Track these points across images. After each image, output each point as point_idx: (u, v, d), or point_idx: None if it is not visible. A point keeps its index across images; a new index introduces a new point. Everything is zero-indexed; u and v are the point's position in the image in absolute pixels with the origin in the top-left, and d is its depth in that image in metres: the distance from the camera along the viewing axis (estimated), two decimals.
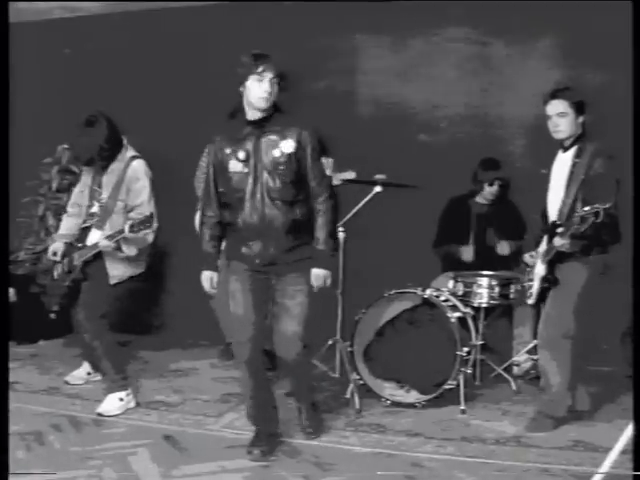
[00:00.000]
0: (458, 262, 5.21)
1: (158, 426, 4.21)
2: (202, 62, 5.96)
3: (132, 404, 4.47)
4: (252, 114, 3.64)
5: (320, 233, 3.68)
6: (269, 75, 3.59)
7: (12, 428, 3.68)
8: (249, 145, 3.62)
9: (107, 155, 4.41)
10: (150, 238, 4.42)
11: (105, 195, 4.45)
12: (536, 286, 4.11)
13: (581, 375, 4.20)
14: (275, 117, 3.65)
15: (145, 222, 4.19)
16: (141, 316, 6.13)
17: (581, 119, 4.01)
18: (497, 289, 4.78)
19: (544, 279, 4.06)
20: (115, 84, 6.08)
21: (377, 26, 5.72)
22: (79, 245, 4.48)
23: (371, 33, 5.79)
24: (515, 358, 4.98)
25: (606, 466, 3.00)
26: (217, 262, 3.83)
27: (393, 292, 4.62)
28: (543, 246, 4.09)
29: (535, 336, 4.52)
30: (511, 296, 4.80)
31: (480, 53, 5.57)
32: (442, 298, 4.61)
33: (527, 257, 4.24)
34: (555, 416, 4.10)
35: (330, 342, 4.92)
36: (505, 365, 4.96)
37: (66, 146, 6.03)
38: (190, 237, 5.59)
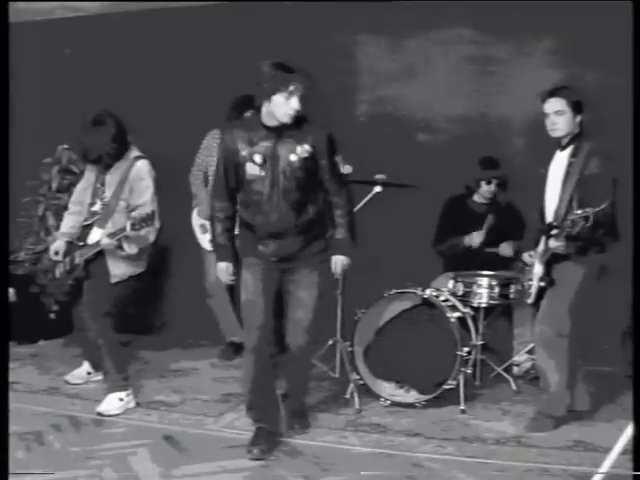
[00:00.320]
0: (459, 258, 5.20)
1: (158, 426, 4.21)
2: (202, 62, 5.97)
3: (132, 404, 4.47)
4: (271, 122, 3.67)
5: (340, 223, 3.86)
6: (299, 93, 3.58)
7: (12, 428, 3.67)
8: (266, 149, 3.67)
9: (115, 154, 4.41)
10: (151, 237, 4.43)
11: (108, 194, 4.45)
12: (535, 286, 4.11)
13: (580, 375, 4.20)
14: (295, 118, 3.66)
15: (147, 219, 4.19)
16: (141, 316, 6.13)
17: (578, 118, 4.01)
18: (497, 289, 4.78)
19: (541, 279, 4.07)
20: (115, 84, 6.08)
21: (377, 26, 5.72)
22: (80, 244, 4.48)
23: (371, 33, 5.79)
24: (515, 358, 4.98)
25: (606, 466, 2.99)
26: (231, 253, 3.90)
27: (393, 292, 4.62)
28: (541, 246, 4.09)
29: None
30: (511, 296, 4.80)
31: (480, 53, 5.57)
32: (442, 298, 4.61)
33: (526, 256, 4.24)
34: (555, 415, 4.10)
35: (330, 342, 4.92)
36: (505, 365, 4.96)
37: (66, 146, 6.03)
38: (190, 237, 5.63)
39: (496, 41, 5.53)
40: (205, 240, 5.52)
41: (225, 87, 5.45)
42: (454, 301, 4.69)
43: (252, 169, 3.69)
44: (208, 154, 5.46)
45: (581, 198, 3.85)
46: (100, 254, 4.40)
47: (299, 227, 3.76)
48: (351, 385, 4.60)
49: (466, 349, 4.46)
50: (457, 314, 4.55)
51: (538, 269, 4.08)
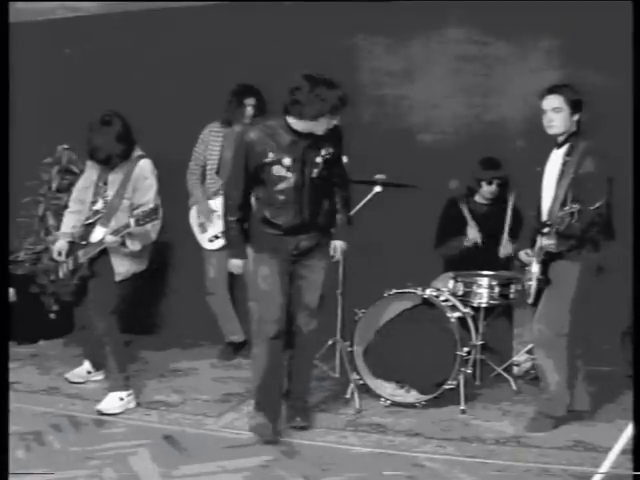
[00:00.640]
0: (461, 258, 5.19)
1: (158, 426, 4.21)
2: (202, 62, 5.96)
3: (132, 404, 4.47)
4: (301, 128, 3.78)
5: (342, 213, 4.12)
6: (331, 120, 3.74)
7: (12, 428, 3.67)
8: (295, 153, 3.82)
9: (123, 154, 4.42)
10: (154, 235, 4.43)
11: (111, 192, 4.45)
12: (534, 286, 4.11)
13: (580, 374, 4.20)
14: None
15: (151, 214, 4.20)
16: (142, 316, 6.12)
17: (576, 117, 4.01)
18: (497, 289, 4.78)
19: (537, 278, 4.07)
20: (115, 84, 6.07)
21: (377, 26, 5.72)
22: (83, 243, 4.47)
23: (371, 33, 5.79)
24: (515, 358, 4.98)
25: (606, 466, 2.99)
26: (245, 251, 3.99)
27: (393, 292, 4.62)
28: (537, 244, 4.09)
29: None
30: (511, 296, 4.80)
31: (480, 53, 5.57)
32: (442, 298, 4.61)
33: (522, 254, 4.24)
34: (555, 415, 4.11)
35: (330, 342, 4.92)
36: (505, 365, 4.97)
37: (66, 146, 6.03)
38: (189, 236, 5.63)
39: (496, 41, 5.53)
40: (204, 239, 5.52)
41: (225, 87, 5.45)
42: (454, 301, 4.69)
43: (279, 171, 3.83)
44: (206, 148, 5.46)
45: (575, 197, 3.86)
46: (104, 252, 4.40)
47: (319, 225, 3.98)
48: (351, 385, 4.60)
49: (466, 349, 4.46)
50: (457, 314, 4.55)
51: (535, 268, 4.08)
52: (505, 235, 5.15)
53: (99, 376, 4.96)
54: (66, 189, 5.90)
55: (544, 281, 4.05)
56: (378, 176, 4.86)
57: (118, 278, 4.43)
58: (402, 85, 5.79)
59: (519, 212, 5.17)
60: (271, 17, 5.85)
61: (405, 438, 4.04)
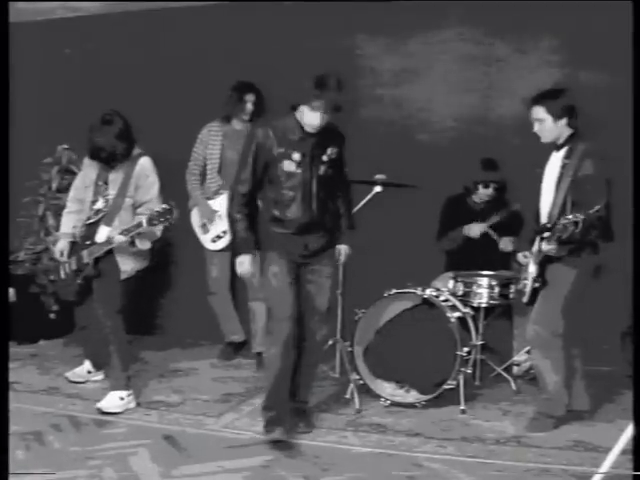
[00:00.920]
0: (461, 252, 5.19)
1: (158, 426, 4.21)
2: (202, 62, 5.96)
3: (132, 404, 4.47)
4: (308, 118, 3.84)
5: (346, 217, 4.20)
6: (321, 110, 3.76)
7: (12, 428, 3.67)
8: (304, 148, 3.87)
9: (124, 153, 4.43)
10: (159, 232, 4.42)
11: (112, 191, 4.45)
12: (529, 286, 4.12)
13: (580, 374, 4.21)
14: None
15: (165, 214, 4.19)
16: (142, 316, 6.12)
17: (563, 122, 4.00)
18: (497, 289, 4.78)
19: (534, 280, 4.08)
20: (115, 84, 6.07)
21: (377, 26, 5.72)
22: (87, 242, 4.47)
23: (371, 33, 5.79)
24: (515, 358, 4.98)
25: (606, 466, 2.99)
26: (254, 246, 4.00)
27: (393, 292, 4.62)
28: (535, 246, 4.09)
29: None
30: (511, 296, 4.80)
31: (480, 53, 5.57)
32: (442, 298, 4.61)
33: (520, 257, 4.25)
34: (554, 415, 4.11)
35: (330, 342, 4.92)
36: (505, 365, 4.97)
37: (66, 146, 6.03)
38: (189, 236, 5.62)
39: (496, 41, 5.53)
40: (207, 240, 5.50)
41: (225, 87, 5.45)
42: (454, 301, 4.69)
43: (289, 166, 3.87)
44: (205, 148, 5.45)
45: (574, 200, 3.87)
46: (109, 251, 4.40)
47: (327, 224, 4.02)
48: (351, 385, 4.60)
49: (466, 349, 4.46)
50: (457, 314, 4.55)
51: (532, 269, 4.09)
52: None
53: (99, 376, 4.97)
54: (66, 189, 5.88)
55: (540, 282, 4.06)
56: (378, 176, 4.87)
57: (124, 276, 4.45)
58: (402, 85, 5.78)
59: (519, 213, 5.17)
60: (271, 17, 5.85)
61: (405, 438, 4.04)
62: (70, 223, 4.64)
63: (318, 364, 4.35)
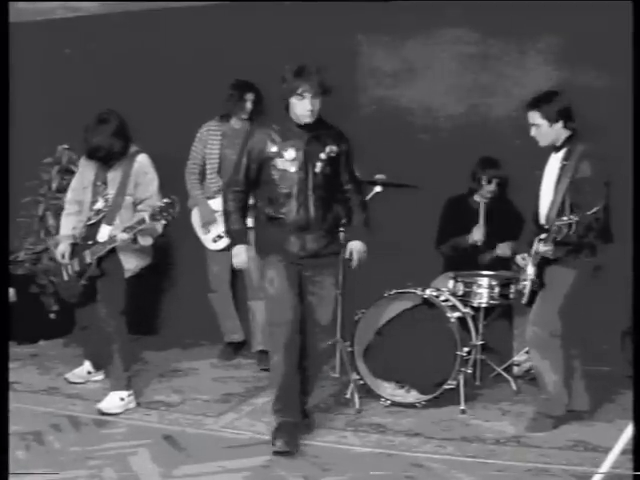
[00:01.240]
0: (463, 258, 5.19)
1: (158, 426, 4.21)
2: (202, 62, 5.96)
3: (132, 405, 4.47)
4: (299, 121, 3.85)
5: (355, 211, 4.08)
6: (309, 95, 3.78)
7: (12, 428, 3.67)
8: (298, 145, 3.86)
9: (121, 151, 4.43)
10: (160, 228, 4.42)
11: (112, 191, 4.45)
12: (527, 287, 4.12)
13: (579, 374, 4.21)
14: (320, 121, 3.91)
15: (167, 209, 4.19)
16: (143, 316, 6.12)
17: (559, 125, 4.01)
18: (497, 289, 4.78)
19: (532, 281, 4.08)
20: (115, 84, 6.08)
21: (377, 26, 5.72)
22: (89, 243, 4.46)
23: (371, 33, 5.79)
24: (515, 358, 4.98)
25: (606, 466, 2.99)
26: (246, 236, 4.01)
27: (393, 292, 4.63)
28: (534, 248, 4.09)
29: None
30: (511, 296, 4.80)
31: (479, 53, 5.57)
32: (442, 298, 4.61)
33: (519, 259, 4.25)
34: (554, 415, 4.11)
35: (330, 342, 4.91)
36: (505, 365, 4.96)
37: (66, 146, 6.03)
38: (189, 236, 5.62)
39: (495, 41, 5.53)
40: (208, 240, 5.50)
41: (225, 87, 5.45)
42: (454, 301, 4.69)
43: (283, 164, 3.85)
44: (204, 147, 5.45)
45: (573, 201, 3.87)
46: (112, 250, 4.40)
47: (326, 224, 3.94)
48: (351, 385, 4.60)
49: (466, 349, 4.46)
50: (457, 314, 4.55)
51: (531, 271, 4.09)
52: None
53: (99, 376, 4.97)
54: (66, 189, 5.87)
55: (538, 284, 4.06)
56: (378, 176, 4.87)
57: (128, 274, 4.46)
58: (402, 85, 5.78)
59: (519, 214, 5.17)
60: (271, 17, 5.85)
61: (405, 438, 4.04)
62: (70, 225, 4.64)
63: (320, 370, 4.30)
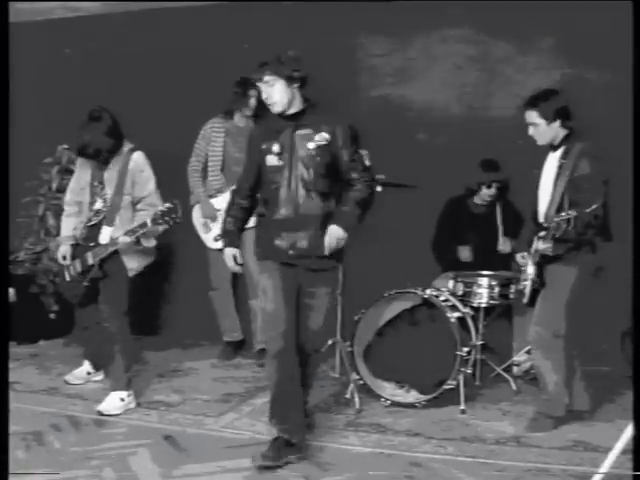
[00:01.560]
0: (458, 262, 5.21)
1: (158, 426, 4.21)
2: (202, 62, 5.96)
3: (132, 405, 4.47)
4: (279, 112, 3.77)
5: (350, 198, 3.73)
6: (262, 84, 3.75)
7: (12, 428, 3.66)
8: (283, 138, 3.72)
9: (112, 149, 4.41)
10: (161, 227, 4.41)
11: (109, 191, 4.44)
12: (528, 287, 4.12)
13: (579, 375, 4.20)
14: (309, 111, 3.77)
15: (169, 214, 4.17)
16: (143, 317, 6.12)
17: (557, 124, 4.01)
18: (497, 289, 4.78)
19: (533, 280, 4.08)
20: (115, 84, 6.08)
21: (377, 26, 5.72)
22: (91, 244, 4.45)
23: (371, 33, 5.79)
24: (515, 358, 4.98)
25: (606, 466, 2.99)
26: (238, 239, 3.92)
27: (393, 292, 4.62)
28: (534, 247, 4.10)
29: None
30: (511, 296, 4.80)
31: (480, 53, 5.57)
32: (442, 298, 4.61)
33: (519, 257, 4.25)
34: (554, 415, 4.11)
35: (330, 342, 4.92)
36: (505, 365, 4.97)
37: (66, 146, 6.03)
38: (190, 235, 5.62)
39: (496, 41, 5.53)
40: (209, 239, 5.50)
41: (226, 87, 5.45)
42: (454, 301, 4.69)
43: (271, 160, 3.74)
44: (207, 144, 5.44)
45: (571, 199, 3.87)
46: (113, 252, 4.39)
47: (318, 219, 3.71)
48: (351, 385, 4.60)
49: (466, 349, 4.46)
50: (457, 314, 4.55)
51: (531, 270, 4.09)
52: (500, 233, 5.17)
53: (99, 376, 4.97)
54: (66, 189, 5.90)
55: (539, 283, 4.06)
56: (378, 176, 4.86)
57: (131, 274, 4.46)
58: (402, 85, 5.79)
59: (519, 213, 5.17)
60: (271, 17, 5.85)
61: (405, 438, 4.04)
62: (70, 226, 4.63)
63: (315, 372, 4.17)
